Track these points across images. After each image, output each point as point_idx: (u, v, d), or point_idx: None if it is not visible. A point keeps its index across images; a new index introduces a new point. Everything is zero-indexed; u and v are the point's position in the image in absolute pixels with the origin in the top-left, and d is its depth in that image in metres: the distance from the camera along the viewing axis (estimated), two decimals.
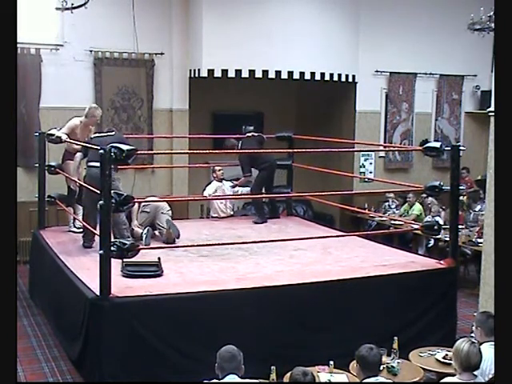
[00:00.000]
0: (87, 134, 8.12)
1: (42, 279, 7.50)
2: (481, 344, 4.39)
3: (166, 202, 8.22)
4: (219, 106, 11.54)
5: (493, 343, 4.37)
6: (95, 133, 7.77)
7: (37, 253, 7.89)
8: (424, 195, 9.92)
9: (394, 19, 11.55)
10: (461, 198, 8.14)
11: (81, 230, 7.96)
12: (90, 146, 6.85)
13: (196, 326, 5.57)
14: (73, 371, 5.96)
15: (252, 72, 9.90)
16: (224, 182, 9.39)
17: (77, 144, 7.68)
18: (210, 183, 9.39)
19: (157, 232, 7.78)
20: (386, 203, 11.06)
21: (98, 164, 6.35)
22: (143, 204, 7.87)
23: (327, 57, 10.36)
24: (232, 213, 9.50)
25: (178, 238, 7.61)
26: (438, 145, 6.91)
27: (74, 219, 8.08)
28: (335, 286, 6.11)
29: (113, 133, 7.41)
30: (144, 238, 7.33)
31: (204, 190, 9.26)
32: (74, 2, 8.51)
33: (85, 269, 6.27)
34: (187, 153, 9.94)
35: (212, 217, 9.34)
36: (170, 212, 7.95)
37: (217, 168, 9.37)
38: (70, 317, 6.06)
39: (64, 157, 8.15)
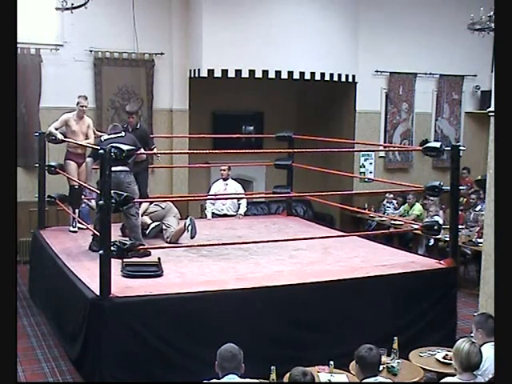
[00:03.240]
0: (86, 129, 8.06)
1: (42, 279, 7.49)
2: (482, 345, 4.39)
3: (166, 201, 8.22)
4: (219, 105, 11.54)
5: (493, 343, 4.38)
6: (108, 135, 7.13)
7: (37, 253, 7.88)
8: (424, 196, 9.92)
9: (394, 19, 11.54)
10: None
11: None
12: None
13: (196, 326, 5.57)
14: (73, 371, 5.96)
15: (252, 72, 9.90)
16: (230, 180, 9.44)
17: (78, 144, 7.70)
18: (215, 182, 9.58)
19: (163, 227, 7.74)
20: (382, 203, 11.07)
21: (119, 168, 6.35)
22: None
23: (327, 57, 10.36)
24: (234, 213, 9.51)
25: (192, 238, 7.33)
26: (437, 145, 6.92)
27: (74, 219, 8.08)
28: (335, 286, 6.11)
29: (123, 133, 7.07)
30: (149, 230, 7.27)
31: (209, 189, 9.38)
32: (74, 2, 8.51)
33: (85, 269, 6.27)
34: (187, 153, 9.94)
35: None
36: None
37: (222, 167, 9.45)
38: (70, 317, 6.05)
39: (66, 156, 8.12)
